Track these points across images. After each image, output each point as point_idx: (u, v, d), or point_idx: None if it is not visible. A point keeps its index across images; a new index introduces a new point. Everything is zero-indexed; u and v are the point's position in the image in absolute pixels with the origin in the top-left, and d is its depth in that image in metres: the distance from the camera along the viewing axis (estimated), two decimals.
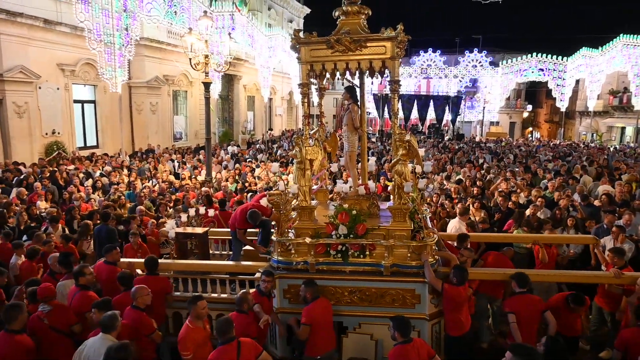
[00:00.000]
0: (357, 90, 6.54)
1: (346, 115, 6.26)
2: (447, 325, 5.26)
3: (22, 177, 11.67)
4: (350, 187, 6.41)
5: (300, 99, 6.14)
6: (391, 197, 5.68)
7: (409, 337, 4.27)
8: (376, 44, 5.39)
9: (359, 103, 6.36)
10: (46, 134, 16.20)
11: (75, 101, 17.76)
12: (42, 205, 9.72)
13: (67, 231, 8.33)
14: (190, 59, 11.50)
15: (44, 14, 15.64)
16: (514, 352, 3.25)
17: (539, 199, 9.26)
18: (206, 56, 11.49)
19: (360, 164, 6.83)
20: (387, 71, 5.68)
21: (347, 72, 6.22)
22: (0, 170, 12.63)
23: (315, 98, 10.37)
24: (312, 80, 6.18)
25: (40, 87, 15.84)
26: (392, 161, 5.61)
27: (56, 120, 16.58)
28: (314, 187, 6.59)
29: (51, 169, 12.94)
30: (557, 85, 33.80)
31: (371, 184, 6.46)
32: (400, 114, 32.55)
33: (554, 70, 33.76)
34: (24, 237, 7.55)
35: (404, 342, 4.25)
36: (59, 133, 16.62)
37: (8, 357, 4.16)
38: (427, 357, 4.25)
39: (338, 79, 6.04)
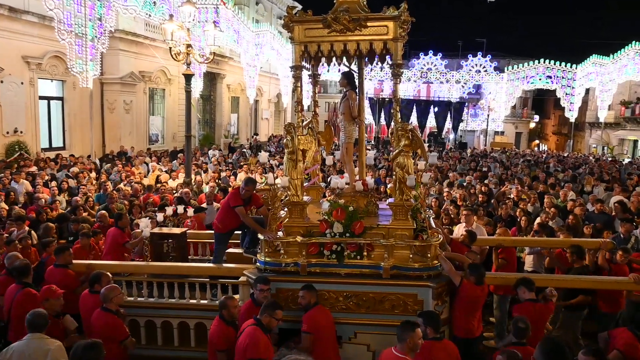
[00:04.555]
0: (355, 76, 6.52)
1: (343, 103, 6.24)
2: (456, 327, 5.21)
3: None
4: (347, 182, 6.36)
5: (288, 102, 6.14)
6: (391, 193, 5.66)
7: (440, 335, 4.29)
8: (378, 24, 5.42)
9: (357, 90, 6.35)
10: (7, 132, 15.99)
11: (41, 97, 17.58)
12: (2, 206, 9.52)
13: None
14: (170, 48, 11.46)
15: (9, 1, 15.55)
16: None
17: (552, 209, 9.34)
18: (188, 45, 11.46)
19: (357, 157, 6.81)
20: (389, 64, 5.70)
21: (344, 57, 6.25)
22: None
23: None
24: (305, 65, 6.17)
25: (2, 81, 15.68)
26: (394, 152, 5.58)
27: (19, 118, 16.38)
28: (306, 183, 6.54)
29: (11, 170, 12.72)
30: (566, 94, 34.34)
31: (369, 179, 6.41)
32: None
33: (563, 78, 34.34)
34: None
35: (434, 338, 4.28)
36: (21, 132, 16.41)
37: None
38: None
39: (330, 80, 6.05)
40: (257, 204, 6.44)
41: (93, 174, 13.59)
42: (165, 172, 14.45)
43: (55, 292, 4.86)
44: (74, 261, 6.27)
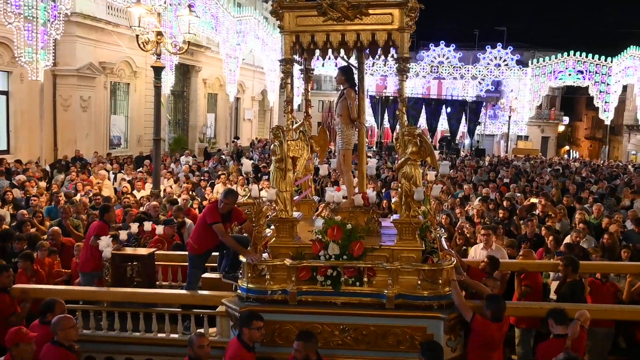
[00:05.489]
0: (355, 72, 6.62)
1: (340, 102, 6.33)
2: None
3: None
4: (344, 196, 6.42)
5: (275, 100, 6.25)
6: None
7: None
8: (381, 11, 5.55)
9: (356, 87, 6.44)
10: None
11: None
12: None
13: None
14: (137, 35, 11.54)
15: None
16: None
17: (581, 224, 9.46)
18: (158, 33, 11.54)
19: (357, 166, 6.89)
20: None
21: (342, 50, 6.35)
22: None
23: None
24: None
25: None
26: (399, 161, 5.66)
27: None
28: (296, 196, 6.60)
29: None
30: (600, 91, 34.86)
31: (370, 192, 6.48)
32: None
33: (596, 73, 34.89)
34: None
35: None
36: None
37: None
38: None
39: (326, 76, 6.17)
40: (239, 219, 6.47)
41: (43, 184, 13.54)
42: (129, 181, 14.45)
43: (27, 336, 4.79)
44: (17, 285, 6.35)
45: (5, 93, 18.53)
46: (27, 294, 6.26)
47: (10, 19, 15.02)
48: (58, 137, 19.98)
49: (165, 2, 12.86)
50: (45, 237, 9.06)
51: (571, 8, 76.07)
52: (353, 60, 6.83)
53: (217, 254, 6.71)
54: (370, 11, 5.52)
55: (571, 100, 50.36)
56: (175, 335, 6.03)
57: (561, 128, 50.37)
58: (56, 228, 8.67)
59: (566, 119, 50.49)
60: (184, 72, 27.83)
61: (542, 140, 46.71)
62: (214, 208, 6.32)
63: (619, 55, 33.70)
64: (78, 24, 19.51)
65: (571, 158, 39.64)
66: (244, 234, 6.42)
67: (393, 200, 6.75)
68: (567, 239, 8.90)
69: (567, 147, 52.73)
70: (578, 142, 54.25)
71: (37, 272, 7.23)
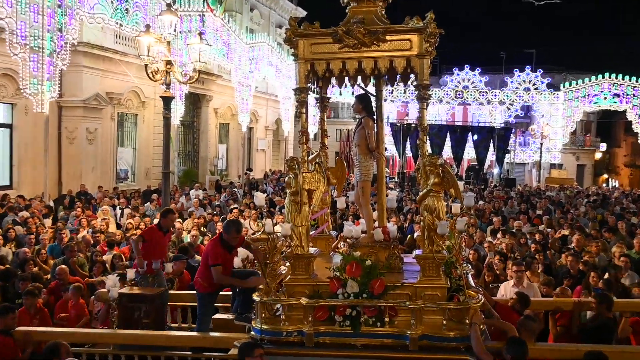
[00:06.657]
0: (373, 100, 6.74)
1: (358, 132, 6.44)
2: None
3: None
4: (363, 230, 6.47)
5: (290, 130, 6.39)
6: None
7: None
8: (399, 37, 5.67)
9: (374, 116, 6.55)
10: None
11: None
12: None
13: None
14: (145, 65, 11.85)
15: None
16: None
17: (622, 258, 9.37)
18: (168, 62, 11.85)
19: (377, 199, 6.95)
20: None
21: (359, 77, 6.50)
22: None
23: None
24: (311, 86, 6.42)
25: None
26: (421, 193, 5.72)
27: None
28: (312, 231, 6.66)
29: None
30: (639, 115, 34.65)
31: (391, 226, 6.52)
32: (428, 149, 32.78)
33: (634, 96, 34.71)
34: None
35: None
36: None
37: None
38: None
39: (341, 103, 6.30)
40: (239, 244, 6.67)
41: (48, 221, 13.77)
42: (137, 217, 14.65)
43: None
44: (20, 328, 6.42)
45: (9, 126, 19.00)
46: (29, 336, 6.36)
47: (16, 50, 15.43)
48: (63, 171, 20.35)
49: (175, 30, 13.19)
50: (48, 276, 9.28)
51: (605, 29, 76.21)
52: (371, 88, 6.97)
53: (229, 293, 6.80)
54: (388, 37, 5.65)
55: (608, 125, 50.11)
56: None
57: (598, 155, 49.98)
58: (63, 267, 8.80)
59: (603, 146, 50.15)
60: (194, 101, 28.31)
61: (577, 168, 46.37)
62: (217, 246, 6.45)
63: None
64: (85, 54, 20.08)
65: (610, 187, 39.19)
66: (253, 269, 6.53)
67: (416, 234, 6.77)
68: (607, 275, 8.82)
69: (605, 176, 52.22)
70: (617, 170, 53.71)
71: (40, 311, 7.36)
